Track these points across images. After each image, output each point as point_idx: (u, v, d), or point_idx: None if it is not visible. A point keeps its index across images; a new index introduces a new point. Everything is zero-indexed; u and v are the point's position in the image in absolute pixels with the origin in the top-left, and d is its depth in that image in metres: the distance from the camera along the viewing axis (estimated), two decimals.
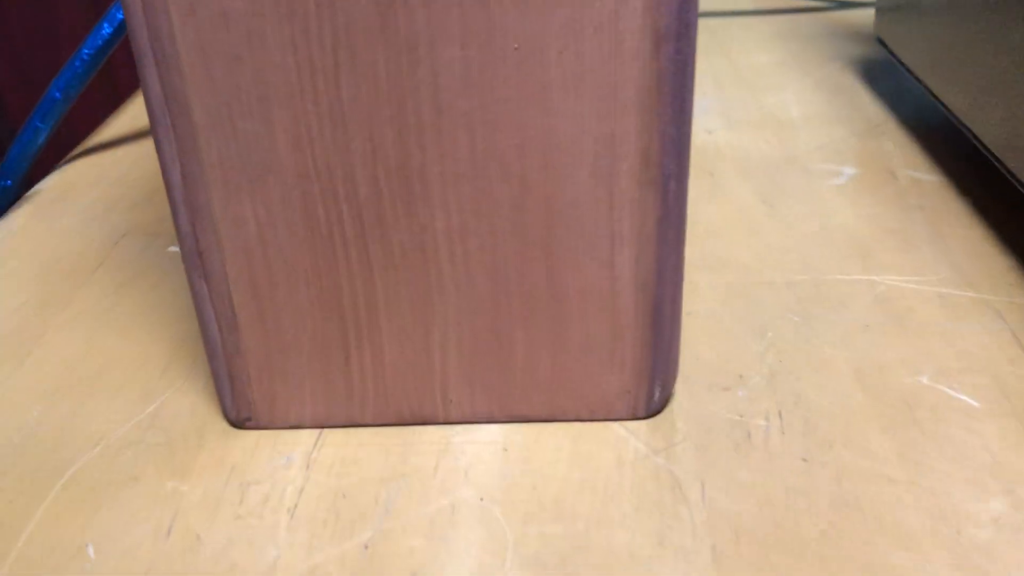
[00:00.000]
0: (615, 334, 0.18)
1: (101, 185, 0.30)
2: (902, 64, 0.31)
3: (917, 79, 0.30)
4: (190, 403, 0.20)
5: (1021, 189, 0.23)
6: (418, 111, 0.16)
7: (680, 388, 0.20)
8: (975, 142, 0.26)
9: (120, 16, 0.30)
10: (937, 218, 0.26)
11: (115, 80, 1.11)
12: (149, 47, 0.15)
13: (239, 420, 0.19)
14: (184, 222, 0.17)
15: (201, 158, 0.16)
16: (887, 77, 0.36)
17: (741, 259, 0.24)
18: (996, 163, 0.24)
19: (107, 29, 0.30)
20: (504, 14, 0.15)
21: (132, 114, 0.36)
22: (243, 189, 0.16)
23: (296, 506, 0.17)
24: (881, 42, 0.33)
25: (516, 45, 0.15)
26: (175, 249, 0.26)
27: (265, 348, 0.18)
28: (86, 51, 0.30)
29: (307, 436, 0.19)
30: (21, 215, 0.29)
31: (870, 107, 0.33)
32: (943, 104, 0.27)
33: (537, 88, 0.16)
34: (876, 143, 0.30)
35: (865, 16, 0.43)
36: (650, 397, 0.18)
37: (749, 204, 0.27)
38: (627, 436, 0.18)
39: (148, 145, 0.33)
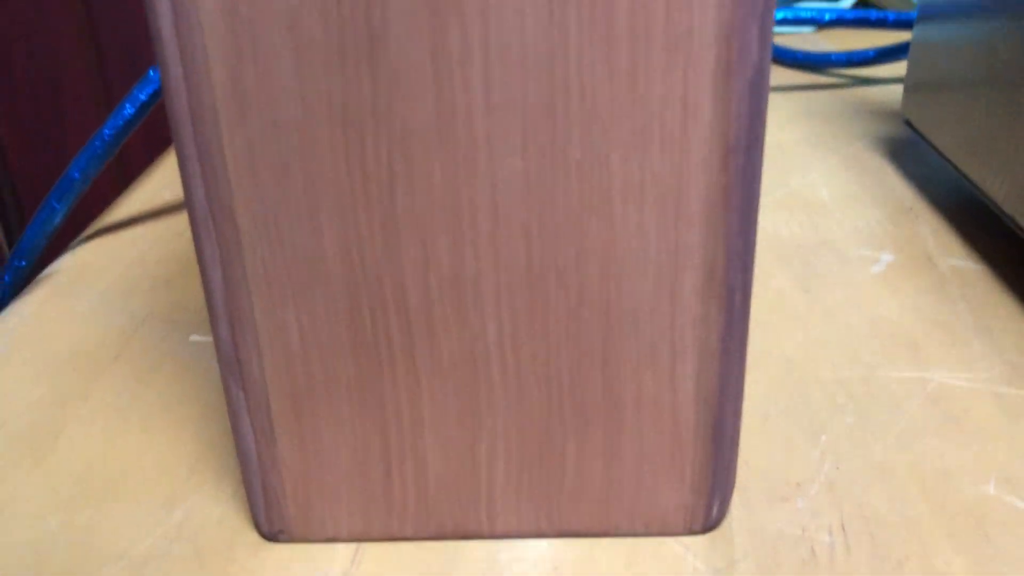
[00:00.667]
0: (675, 448, 0.17)
1: (118, 267, 0.30)
2: (932, 146, 0.31)
3: (949, 162, 0.29)
4: (219, 512, 0.19)
5: None
6: (474, 220, 0.15)
7: (736, 497, 0.19)
8: (1014, 228, 0.25)
9: (142, 97, 0.29)
10: (982, 309, 0.25)
11: (124, 156, 1.11)
12: (195, 154, 0.15)
13: (272, 533, 0.18)
14: (223, 329, 0.16)
15: (245, 265, 0.15)
16: (915, 156, 0.35)
17: (786, 352, 0.23)
18: None
19: (129, 110, 0.29)
20: (568, 125, 0.14)
21: (147, 191, 0.36)
22: (287, 297, 0.16)
23: None
24: (909, 124, 0.33)
25: (579, 156, 0.15)
26: (197, 338, 0.25)
27: (303, 460, 0.17)
28: (107, 131, 0.30)
29: (344, 551, 0.18)
30: (36, 299, 0.28)
31: (900, 188, 0.33)
32: (978, 188, 0.27)
33: (599, 199, 0.15)
34: (911, 227, 0.30)
35: (887, 92, 0.43)
36: (708, 512, 0.18)
37: (788, 291, 0.26)
38: (685, 553, 0.17)
39: (164, 225, 0.33)
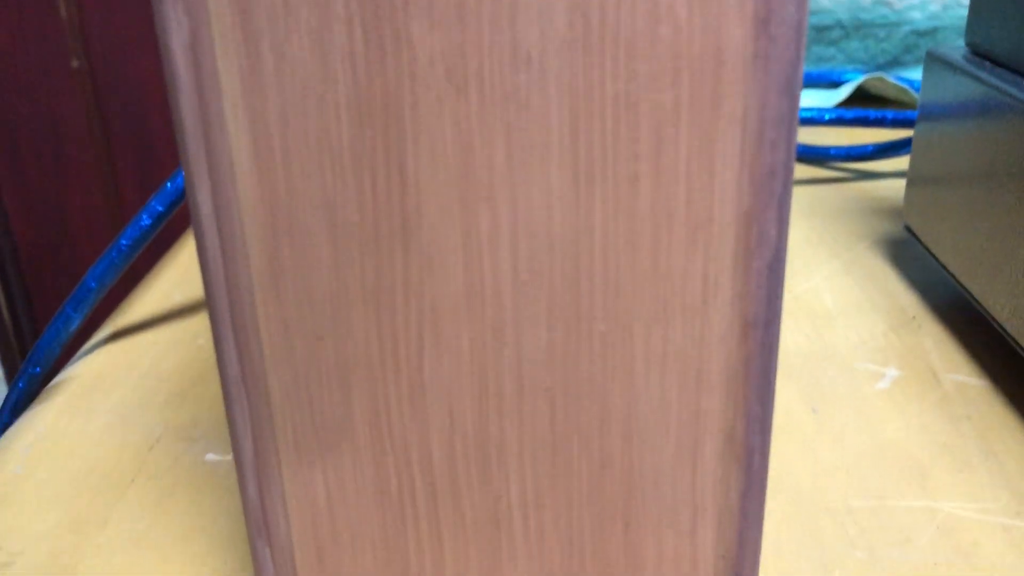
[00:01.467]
0: None
1: (133, 376, 0.30)
2: (934, 256, 0.31)
3: (951, 275, 0.30)
4: None
5: None
6: (500, 386, 0.15)
7: None
8: (1017, 349, 0.26)
9: (160, 208, 0.30)
10: (987, 431, 0.25)
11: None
12: (230, 324, 0.15)
13: None
14: (251, 490, 0.16)
15: (275, 429, 0.16)
16: (915, 260, 0.36)
17: (796, 480, 0.24)
18: None
19: (146, 221, 0.30)
20: (592, 298, 0.15)
21: (158, 291, 0.36)
22: (315, 458, 0.16)
23: None
24: (910, 231, 0.34)
25: (603, 328, 0.15)
26: (213, 456, 0.25)
27: None
28: (124, 242, 0.30)
29: None
30: (50, 411, 0.28)
31: (903, 295, 0.33)
32: (981, 305, 0.28)
33: (622, 367, 0.15)
34: (914, 339, 0.30)
35: (888, 188, 0.44)
36: None
37: (796, 410, 0.27)
38: None
39: (177, 329, 0.33)
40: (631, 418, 0.16)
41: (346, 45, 0.13)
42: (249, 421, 0.16)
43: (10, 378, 1.07)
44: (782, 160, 0.14)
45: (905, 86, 0.54)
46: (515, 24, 0.13)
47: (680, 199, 0.14)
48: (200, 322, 0.33)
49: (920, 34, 0.57)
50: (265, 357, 0.15)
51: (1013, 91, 0.27)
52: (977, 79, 0.29)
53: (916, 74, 0.58)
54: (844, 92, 0.54)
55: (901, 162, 0.47)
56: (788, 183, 0.14)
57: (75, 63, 0.99)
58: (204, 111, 0.14)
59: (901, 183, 0.44)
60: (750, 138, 0.14)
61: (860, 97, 0.58)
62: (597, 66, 0.13)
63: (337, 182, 0.14)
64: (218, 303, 0.15)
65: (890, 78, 0.55)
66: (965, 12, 0.56)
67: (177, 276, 0.37)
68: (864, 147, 0.44)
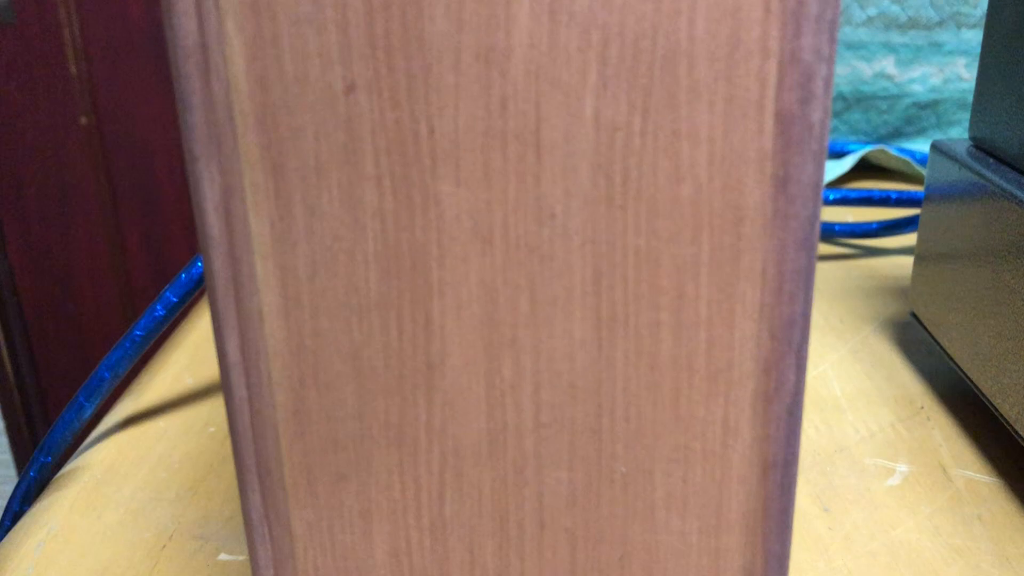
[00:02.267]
0: None
1: (144, 467, 0.30)
2: (941, 347, 0.32)
3: (958, 367, 0.30)
4: None
5: None
6: (520, 526, 0.16)
7: None
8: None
9: (173, 299, 0.30)
10: (999, 532, 0.25)
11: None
12: (255, 466, 0.15)
13: None
14: None
15: (296, 565, 0.16)
16: (923, 345, 0.36)
17: None
18: None
19: (160, 311, 0.30)
20: (614, 441, 0.15)
21: (168, 374, 0.36)
22: None
23: None
24: (916, 319, 0.34)
25: (624, 469, 0.15)
26: (225, 557, 0.25)
27: None
28: (138, 332, 0.30)
29: None
30: (62, 506, 0.28)
31: (911, 384, 0.33)
32: (988, 400, 0.28)
33: (642, 508, 0.15)
34: (923, 431, 0.30)
35: (893, 265, 0.44)
36: None
37: (808, 510, 0.27)
38: None
39: (187, 416, 0.33)
40: (651, 557, 0.16)
41: (375, 202, 0.14)
42: (272, 559, 0.16)
43: (10, 428, 1.07)
44: (800, 311, 0.14)
45: (907, 158, 0.55)
46: (540, 182, 0.14)
47: (700, 348, 0.14)
48: (210, 408, 0.33)
49: (921, 106, 0.58)
50: (288, 496, 0.15)
51: (1017, 193, 0.27)
52: (981, 176, 0.29)
53: (918, 145, 0.59)
54: (847, 163, 0.55)
55: (907, 238, 0.48)
56: (806, 331, 0.14)
57: (83, 120, 1.00)
58: (235, 264, 0.14)
59: (907, 260, 0.45)
60: (769, 291, 0.14)
61: (863, 167, 0.59)
62: (620, 221, 0.14)
63: (363, 330, 0.14)
64: (244, 447, 0.15)
65: (892, 150, 0.55)
66: (966, 85, 0.57)
67: (187, 358, 0.37)
68: (869, 224, 0.45)
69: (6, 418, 1.07)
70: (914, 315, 0.34)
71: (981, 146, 0.31)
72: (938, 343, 0.32)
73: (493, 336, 0.14)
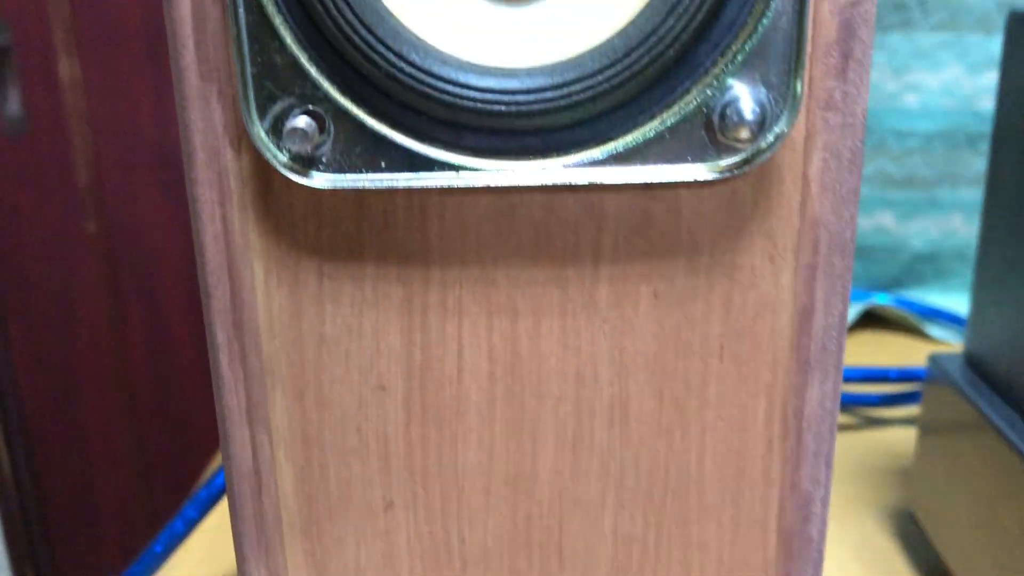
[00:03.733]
0: None
1: None
2: (941, 557, 0.32)
3: None
4: None
5: None
6: None
7: None
8: None
9: (193, 515, 0.31)
10: None
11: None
12: None
13: None
14: None
15: None
16: (922, 538, 0.37)
17: None
18: None
19: (179, 527, 0.31)
20: None
21: (186, 567, 0.37)
22: None
23: None
24: (915, 522, 0.35)
25: None
26: None
27: None
28: (158, 548, 0.31)
29: None
30: None
31: None
32: None
33: None
34: None
35: (895, 439, 0.45)
36: None
37: None
38: None
39: None
40: None
41: None
42: None
43: (9, 543, 1.07)
44: None
45: (906, 312, 0.56)
46: None
47: None
48: None
49: (921, 259, 0.59)
50: None
51: (1010, 435, 0.28)
52: (975, 407, 0.30)
53: (918, 295, 0.60)
54: (848, 317, 0.56)
55: (909, 409, 0.49)
56: None
57: (91, 227, 1.02)
58: None
59: (908, 433, 0.46)
60: None
61: (864, 317, 0.60)
62: None
63: None
64: None
65: (891, 303, 0.57)
66: (964, 240, 0.59)
67: (202, 551, 0.38)
68: (871, 396, 0.46)
69: (5, 522, 1.07)
70: (912, 517, 0.35)
71: (976, 363, 0.32)
72: (937, 551, 0.33)
73: None
